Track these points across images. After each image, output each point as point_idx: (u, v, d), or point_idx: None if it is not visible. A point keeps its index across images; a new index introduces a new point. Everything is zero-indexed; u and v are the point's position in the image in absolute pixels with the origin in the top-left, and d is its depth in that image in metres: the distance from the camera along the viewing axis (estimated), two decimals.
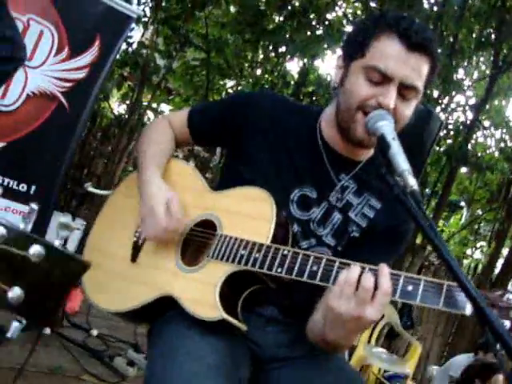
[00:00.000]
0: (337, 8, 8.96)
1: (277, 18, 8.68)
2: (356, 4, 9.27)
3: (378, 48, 1.59)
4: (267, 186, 1.65)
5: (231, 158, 1.97)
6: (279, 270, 1.49)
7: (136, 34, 8.53)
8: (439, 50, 1.75)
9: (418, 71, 1.58)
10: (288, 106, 1.90)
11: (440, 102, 8.59)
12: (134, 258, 1.84)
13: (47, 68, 4.09)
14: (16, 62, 1.75)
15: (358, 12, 9.00)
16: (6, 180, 3.88)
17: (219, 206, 1.75)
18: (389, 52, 1.56)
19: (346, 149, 1.77)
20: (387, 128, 1.50)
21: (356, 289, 1.33)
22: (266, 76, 9.52)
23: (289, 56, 8.78)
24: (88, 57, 4.14)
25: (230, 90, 9.56)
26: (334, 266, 1.42)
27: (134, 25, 6.38)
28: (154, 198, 1.75)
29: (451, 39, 8.28)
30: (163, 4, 7.94)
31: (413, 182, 1.33)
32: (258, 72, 9.65)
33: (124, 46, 7.43)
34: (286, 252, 1.51)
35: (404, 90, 1.59)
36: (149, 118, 9.77)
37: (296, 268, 1.47)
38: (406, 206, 1.31)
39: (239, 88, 9.28)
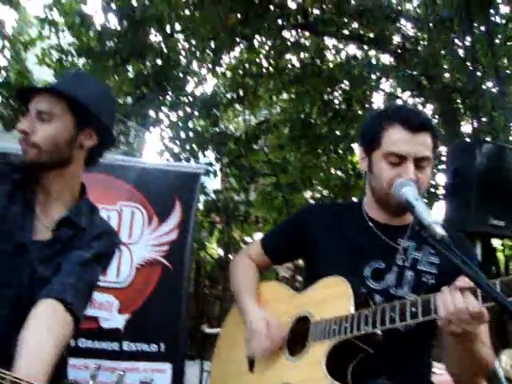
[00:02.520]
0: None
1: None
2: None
3: (388, 137, 2.01)
4: (341, 273, 2.01)
5: (307, 263, 2.39)
6: (369, 326, 1.79)
7: (210, 181, 9.47)
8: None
9: (424, 145, 1.99)
10: (335, 207, 2.44)
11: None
12: (251, 368, 2.20)
13: (145, 240, 4.73)
14: (115, 247, 2.23)
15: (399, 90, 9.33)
16: (139, 345, 4.39)
17: (306, 301, 2.13)
18: (398, 138, 1.98)
19: (391, 219, 2.14)
20: (409, 192, 1.83)
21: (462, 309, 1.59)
22: (339, 173, 9.97)
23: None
24: (173, 219, 4.76)
25: (311, 201, 10.10)
26: (431, 299, 1.68)
27: (205, 177, 7.21)
28: (253, 323, 2.15)
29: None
30: (225, 149, 8.84)
31: (440, 231, 1.61)
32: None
33: (203, 197, 8.25)
34: (367, 312, 1.83)
35: (418, 162, 1.98)
36: None
37: (393, 315, 1.75)
38: (439, 251, 1.60)
39: (317, 196, 9.82)
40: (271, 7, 8.23)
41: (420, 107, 8.33)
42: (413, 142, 1.96)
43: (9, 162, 2.05)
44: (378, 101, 9.00)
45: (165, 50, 7.87)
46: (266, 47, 9.38)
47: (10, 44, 11.21)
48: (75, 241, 1.99)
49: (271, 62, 9.25)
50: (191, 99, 8.71)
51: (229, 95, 9.52)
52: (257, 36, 8.66)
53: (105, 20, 8.04)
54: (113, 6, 7.73)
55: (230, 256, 9.24)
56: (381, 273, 2.06)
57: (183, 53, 8.73)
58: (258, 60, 9.59)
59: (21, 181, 1.99)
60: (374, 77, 8.47)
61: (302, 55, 9.31)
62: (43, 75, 12.23)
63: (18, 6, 10.57)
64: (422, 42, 8.43)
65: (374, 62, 8.83)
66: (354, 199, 8.80)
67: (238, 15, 7.71)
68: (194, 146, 8.47)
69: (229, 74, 9.86)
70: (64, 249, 1.97)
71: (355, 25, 8.77)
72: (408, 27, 8.69)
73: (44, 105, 1.96)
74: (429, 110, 8.45)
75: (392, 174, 1.96)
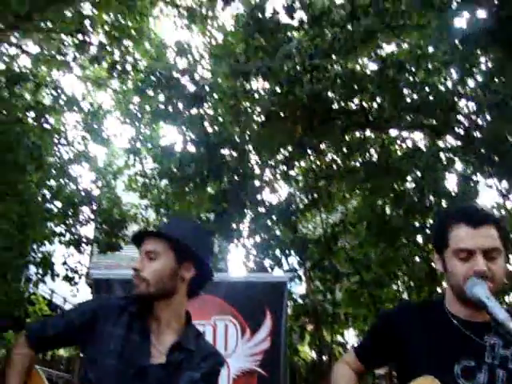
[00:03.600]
0: None
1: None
2: None
3: (454, 236, 2.17)
4: (431, 373, 2.10)
5: (397, 365, 2.42)
6: None
7: (296, 286, 9.67)
8: None
9: (489, 236, 2.12)
10: (416, 307, 2.51)
11: None
12: None
13: (240, 351, 4.94)
14: (220, 366, 2.50)
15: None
16: None
17: None
18: (463, 235, 2.15)
19: (474, 315, 2.20)
20: (480, 291, 1.97)
21: None
22: (422, 264, 9.84)
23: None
24: (265, 328, 4.99)
25: (397, 294, 9.96)
26: None
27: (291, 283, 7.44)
28: None
29: None
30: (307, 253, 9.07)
31: None
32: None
33: (291, 302, 8.41)
34: None
35: (488, 254, 2.11)
36: (339, 352, 10.19)
37: None
38: None
39: (403, 288, 9.70)
40: (333, 112, 8.74)
41: (493, 185, 8.29)
42: (477, 236, 2.09)
43: (125, 297, 2.45)
44: (450, 183, 8.99)
45: (239, 168, 8.44)
46: (333, 150, 9.81)
47: (101, 175, 12.49)
48: (185, 363, 2.30)
49: (339, 163, 9.63)
50: (268, 207, 9.13)
51: (304, 198, 9.89)
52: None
53: (183, 147, 8.84)
54: (190, 134, 8.55)
55: (324, 358, 9.12)
56: (471, 371, 2.09)
57: (256, 167, 9.32)
58: (327, 162, 10.01)
59: (136, 312, 2.36)
60: (443, 160, 8.57)
61: (367, 154, 9.63)
62: (130, 199, 13.37)
63: (108, 142, 11.86)
64: (485, 121, 8.51)
65: (440, 144, 8.96)
66: (439, 290, 8.64)
67: (304, 126, 8.23)
68: (276, 252, 8.78)
69: (301, 178, 10.29)
70: (177, 370, 2.27)
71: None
72: (470, 106, 8.80)
73: (150, 246, 2.37)
74: (503, 186, 8.36)
75: (464, 270, 2.09)
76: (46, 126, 9.85)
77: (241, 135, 8.25)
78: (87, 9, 9.06)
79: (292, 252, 9.07)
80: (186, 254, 2.37)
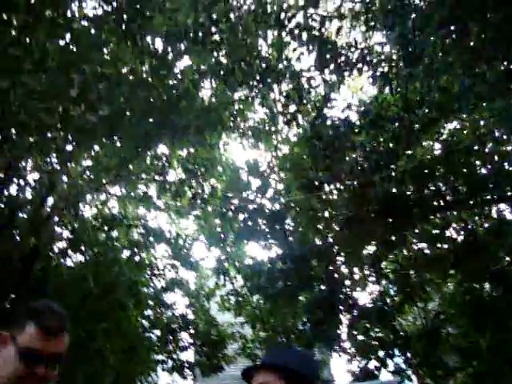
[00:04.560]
0: None
1: None
2: None
3: None
4: None
5: None
6: None
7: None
8: None
9: None
10: None
11: None
12: None
13: None
14: None
15: None
16: None
17: None
18: None
19: None
20: None
21: None
22: None
23: None
24: None
25: None
26: None
27: None
28: None
29: None
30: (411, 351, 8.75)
31: None
32: None
33: None
34: None
35: None
36: None
37: None
38: None
39: None
40: (409, 203, 8.80)
41: None
42: None
43: None
44: None
45: (328, 275, 8.55)
46: (417, 239, 9.74)
47: (194, 299, 12.92)
48: None
49: (426, 252, 9.51)
50: (363, 309, 9.03)
51: (396, 293, 9.72)
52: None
53: (270, 262, 9.11)
54: (275, 249, 8.84)
55: None
56: None
57: (343, 267, 9.38)
58: (414, 252, 9.90)
59: None
60: None
61: (452, 237, 9.49)
62: (226, 318, 13.62)
63: (197, 266, 12.36)
64: None
65: None
66: None
67: (384, 222, 8.34)
68: (379, 353, 8.55)
69: (390, 272, 10.17)
70: None
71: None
72: None
73: (262, 378, 2.53)
74: None
75: None
76: (137, 258, 10.54)
77: (324, 242, 8.44)
78: (161, 147, 9.96)
79: (395, 351, 8.78)
80: (297, 381, 2.52)
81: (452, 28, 5.56)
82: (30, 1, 5.39)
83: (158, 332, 12.73)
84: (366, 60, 7.84)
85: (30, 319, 1.78)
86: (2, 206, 8.24)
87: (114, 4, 6.45)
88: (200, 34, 7.22)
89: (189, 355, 13.52)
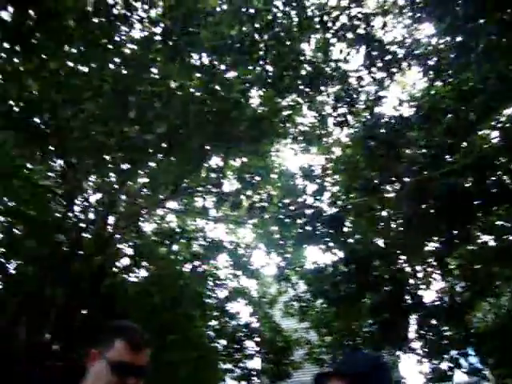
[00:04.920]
0: None
1: None
2: None
3: None
4: None
5: None
6: None
7: None
8: None
9: None
10: None
11: None
12: None
13: None
14: None
15: None
16: None
17: None
18: None
19: None
20: None
21: None
22: None
23: None
24: None
25: None
26: None
27: None
28: None
29: None
30: None
31: None
32: None
33: None
34: None
35: None
36: None
37: None
38: None
39: None
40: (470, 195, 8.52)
41: None
42: None
43: None
44: None
45: (393, 275, 8.38)
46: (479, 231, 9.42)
47: (257, 307, 12.95)
48: None
49: (492, 244, 9.17)
50: (430, 307, 8.79)
51: (462, 290, 9.42)
52: None
53: (332, 265, 9.04)
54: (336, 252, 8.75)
55: None
56: None
57: (406, 265, 9.16)
58: (478, 245, 9.57)
59: None
60: None
61: None
62: (290, 324, 13.58)
63: (257, 274, 12.38)
64: None
65: None
66: None
67: (446, 218, 8.10)
68: (451, 353, 8.28)
69: (455, 268, 9.87)
70: None
71: None
72: None
73: None
74: None
75: None
76: (199, 269, 10.68)
77: (385, 242, 8.30)
78: (215, 159, 10.07)
79: (469, 350, 8.48)
80: None
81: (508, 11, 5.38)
82: (83, 31, 5.61)
83: (223, 341, 12.85)
84: (415, 54, 7.70)
85: (117, 336, 1.92)
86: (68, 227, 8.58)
87: (161, 24, 6.61)
88: (246, 44, 7.29)
89: (255, 363, 13.57)
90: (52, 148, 5.93)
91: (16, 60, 6.64)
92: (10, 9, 6.25)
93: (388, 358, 9.82)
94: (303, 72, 8.30)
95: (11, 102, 5.34)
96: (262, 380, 14.00)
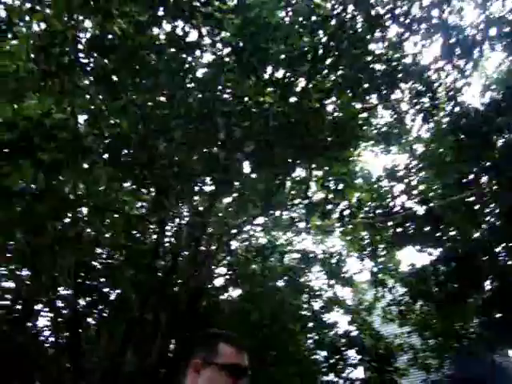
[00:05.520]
0: None
1: None
2: None
3: None
4: None
5: None
6: None
7: None
8: None
9: None
10: None
11: None
12: None
13: None
14: None
15: None
16: None
17: None
18: None
19: None
20: None
21: None
22: None
23: None
24: None
25: None
26: None
27: None
28: None
29: None
30: None
31: None
32: None
33: None
34: None
35: None
36: None
37: None
38: None
39: None
40: None
41: None
42: None
43: None
44: None
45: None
46: None
47: (355, 315, 12.70)
48: None
49: None
50: None
51: None
52: None
53: (432, 265, 8.70)
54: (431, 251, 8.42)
55: None
56: None
57: None
58: None
59: None
60: None
61: None
62: (390, 330, 13.19)
63: (352, 281, 12.16)
64: None
65: None
66: None
67: None
68: None
69: None
70: None
71: None
72: None
73: None
74: None
75: None
76: (294, 282, 10.63)
77: (484, 237, 7.88)
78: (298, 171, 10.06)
79: None
80: None
81: None
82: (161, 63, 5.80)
83: (323, 353, 12.66)
84: (497, 33, 7.31)
85: (219, 341, 1.97)
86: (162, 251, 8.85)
87: (233, 43, 6.69)
88: (318, 52, 7.24)
89: (358, 372, 13.24)
90: (143, 178, 6.15)
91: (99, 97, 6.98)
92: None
93: (501, 359, 9.26)
94: (378, 72, 8.12)
95: (105, 140, 5.61)
96: None
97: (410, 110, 9.13)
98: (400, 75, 7.62)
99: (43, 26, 7.03)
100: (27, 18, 6.62)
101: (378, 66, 7.84)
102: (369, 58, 7.62)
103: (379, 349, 12.82)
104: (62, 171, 5.68)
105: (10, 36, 6.96)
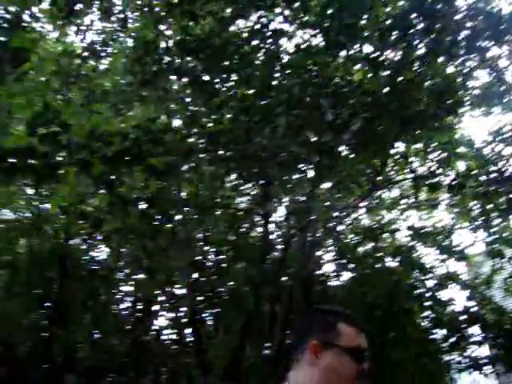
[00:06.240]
0: None
1: None
2: None
3: None
4: None
5: None
6: None
7: None
8: None
9: None
10: None
11: None
12: None
13: None
14: None
15: None
16: None
17: None
18: None
19: None
20: None
21: None
22: None
23: None
24: None
25: None
26: None
27: None
28: None
29: None
30: None
31: None
32: None
33: None
34: None
35: None
36: None
37: None
38: None
39: None
40: None
41: None
42: None
43: None
44: None
45: None
46: None
47: (472, 290, 12.13)
48: None
49: None
50: None
51: None
52: None
53: None
54: None
55: None
56: None
57: None
58: None
59: None
60: None
61: None
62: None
63: (465, 254, 11.59)
64: None
65: None
66: None
67: None
68: None
69: None
70: None
71: None
72: None
73: None
74: None
75: None
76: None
77: None
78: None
79: None
80: None
81: None
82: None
83: (442, 331, 12.21)
84: None
85: (338, 321, 1.72)
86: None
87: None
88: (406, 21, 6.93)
89: (484, 350, 12.62)
90: (247, 171, 6.22)
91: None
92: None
93: None
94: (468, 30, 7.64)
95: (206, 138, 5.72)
96: (496, 368, 12.95)
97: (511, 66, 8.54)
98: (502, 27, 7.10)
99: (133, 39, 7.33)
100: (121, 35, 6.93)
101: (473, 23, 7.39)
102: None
103: (504, 324, 12.14)
104: (171, 174, 5.87)
105: (103, 54, 7.32)
